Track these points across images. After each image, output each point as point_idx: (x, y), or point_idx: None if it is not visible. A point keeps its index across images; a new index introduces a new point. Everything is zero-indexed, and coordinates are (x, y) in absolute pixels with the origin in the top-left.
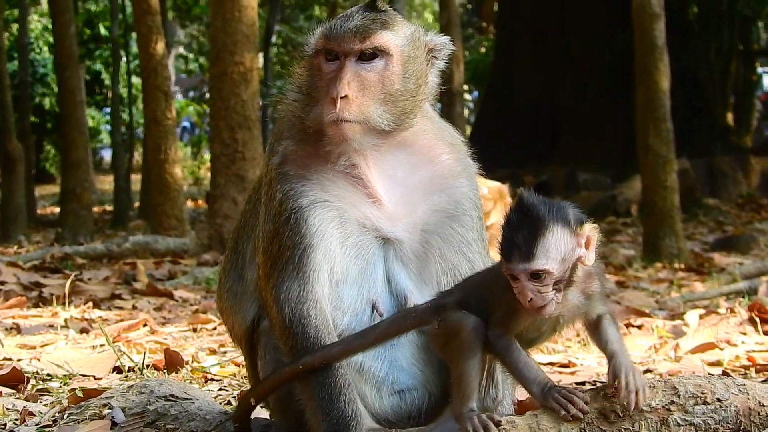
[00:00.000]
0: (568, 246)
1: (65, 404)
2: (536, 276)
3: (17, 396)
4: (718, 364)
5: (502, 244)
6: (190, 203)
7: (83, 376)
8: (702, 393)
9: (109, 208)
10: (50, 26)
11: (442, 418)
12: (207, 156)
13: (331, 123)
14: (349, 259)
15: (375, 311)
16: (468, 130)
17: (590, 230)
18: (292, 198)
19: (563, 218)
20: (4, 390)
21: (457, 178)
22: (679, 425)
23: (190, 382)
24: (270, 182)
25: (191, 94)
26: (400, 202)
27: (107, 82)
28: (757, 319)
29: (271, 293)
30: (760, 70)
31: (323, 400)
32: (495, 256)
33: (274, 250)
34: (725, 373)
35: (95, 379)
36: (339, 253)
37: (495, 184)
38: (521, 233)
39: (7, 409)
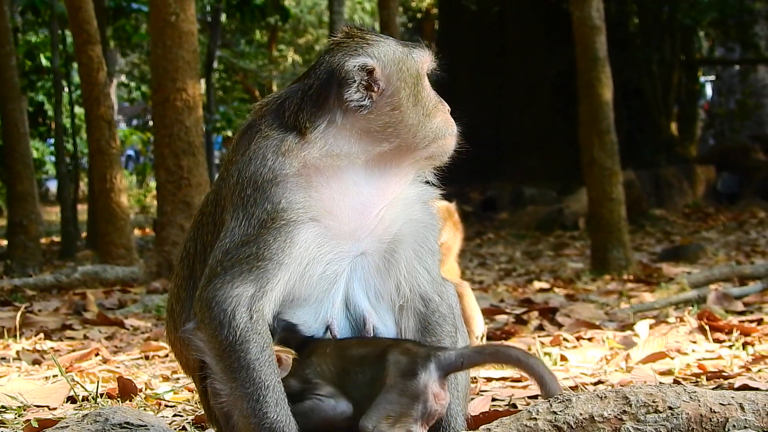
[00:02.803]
0: None
1: None
2: None
3: None
4: (669, 373)
5: None
6: (137, 231)
7: (37, 406)
8: (653, 402)
9: (56, 239)
10: None
11: None
12: (153, 184)
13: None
14: (314, 282)
15: (329, 332)
16: None
17: None
18: (293, 209)
19: None
20: None
21: (433, 189)
22: None
23: (145, 410)
24: (265, 187)
25: (134, 122)
26: (385, 213)
27: (50, 113)
28: (707, 327)
29: (215, 293)
30: (702, 79)
31: (257, 404)
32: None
33: (243, 255)
34: (677, 382)
35: (50, 409)
36: (303, 280)
37: (443, 203)
38: None
39: None
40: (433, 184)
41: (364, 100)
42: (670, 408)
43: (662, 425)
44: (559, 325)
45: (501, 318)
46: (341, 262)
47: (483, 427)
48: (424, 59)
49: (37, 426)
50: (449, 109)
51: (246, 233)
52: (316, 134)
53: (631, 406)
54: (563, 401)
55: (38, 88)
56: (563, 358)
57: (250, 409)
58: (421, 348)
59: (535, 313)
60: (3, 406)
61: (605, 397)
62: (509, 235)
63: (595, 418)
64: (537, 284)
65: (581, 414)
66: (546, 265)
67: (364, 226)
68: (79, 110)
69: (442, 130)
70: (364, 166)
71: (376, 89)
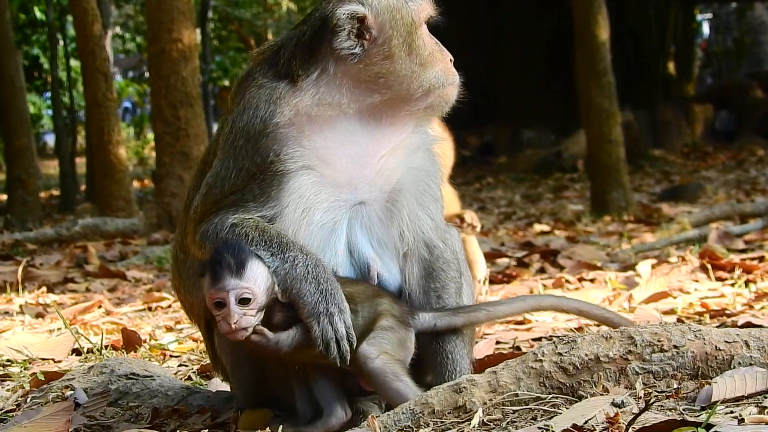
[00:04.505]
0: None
1: (27, 388)
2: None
3: None
4: (672, 312)
5: (211, 269)
6: (136, 183)
7: (43, 359)
8: (659, 341)
9: (55, 192)
10: None
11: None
12: (150, 135)
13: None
14: (313, 230)
15: None
16: None
17: None
18: (282, 161)
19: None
20: None
21: (436, 136)
22: (637, 374)
23: (150, 360)
24: (257, 139)
25: (130, 74)
26: (385, 163)
27: (46, 66)
28: (709, 266)
29: (207, 227)
30: (699, 17)
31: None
32: None
33: (230, 202)
34: (680, 321)
35: (55, 362)
36: (301, 227)
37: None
38: (231, 258)
39: None
40: (436, 131)
41: (355, 48)
42: (676, 347)
43: (668, 364)
44: (561, 267)
45: (502, 261)
46: (339, 210)
47: (488, 370)
48: (421, 7)
49: (43, 379)
50: (451, 58)
51: (235, 184)
52: (308, 82)
53: (636, 345)
54: (568, 342)
55: (33, 42)
56: None
57: (282, 260)
58: (404, 304)
59: (536, 256)
60: (8, 360)
61: (610, 337)
62: (508, 178)
63: (601, 359)
64: (537, 227)
65: (587, 355)
66: (546, 207)
67: (361, 176)
68: (74, 63)
69: (439, 80)
70: (358, 117)
71: (367, 37)
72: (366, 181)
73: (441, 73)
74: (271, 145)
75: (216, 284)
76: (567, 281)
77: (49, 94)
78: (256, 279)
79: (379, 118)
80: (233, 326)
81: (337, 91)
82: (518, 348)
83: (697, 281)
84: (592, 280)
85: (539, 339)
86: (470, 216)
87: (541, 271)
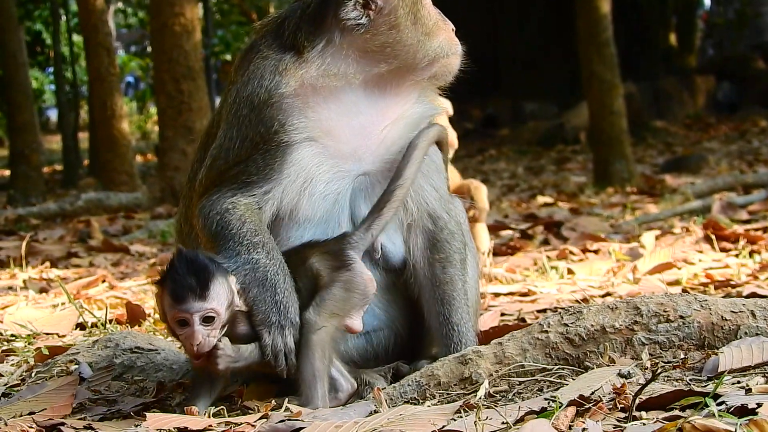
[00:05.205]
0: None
1: (32, 363)
2: (209, 319)
3: None
4: (677, 283)
5: (172, 289)
6: (139, 158)
7: (47, 334)
8: (664, 311)
9: (58, 167)
10: None
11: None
12: (153, 109)
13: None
14: (316, 201)
15: None
16: None
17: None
18: (286, 132)
19: (223, 269)
20: None
21: (438, 106)
22: (643, 344)
23: (154, 334)
24: (261, 108)
25: (133, 48)
26: (388, 133)
27: (48, 41)
28: (713, 237)
29: (209, 201)
30: None
31: (249, 256)
32: None
33: (234, 172)
34: (685, 292)
35: (59, 336)
36: (302, 198)
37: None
38: (192, 278)
39: None
40: (438, 102)
41: (362, 18)
42: (682, 317)
43: (674, 334)
44: (565, 239)
45: (506, 233)
46: (341, 181)
47: (494, 341)
48: None
49: (47, 353)
50: (453, 27)
51: (238, 154)
52: (314, 53)
53: (642, 316)
54: (574, 313)
55: (35, 17)
56: (570, 272)
57: (245, 261)
58: (332, 242)
59: (540, 228)
60: (13, 335)
61: (616, 308)
62: (511, 151)
63: (607, 329)
64: (540, 199)
65: (592, 325)
66: (549, 179)
67: (365, 147)
68: (77, 38)
69: (444, 50)
70: (363, 87)
71: (373, 7)
72: (369, 151)
73: (445, 42)
74: (275, 115)
75: (179, 305)
76: (571, 253)
77: (51, 69)
78: (219, 297)
79: (384, 88)
80: (196, 348)
81: (343, 62)
82: (523, 319)
83: (701, 252)
84: (596, 252)
85: (544, 310)
86: (479, 195)
87: (545, 242)
